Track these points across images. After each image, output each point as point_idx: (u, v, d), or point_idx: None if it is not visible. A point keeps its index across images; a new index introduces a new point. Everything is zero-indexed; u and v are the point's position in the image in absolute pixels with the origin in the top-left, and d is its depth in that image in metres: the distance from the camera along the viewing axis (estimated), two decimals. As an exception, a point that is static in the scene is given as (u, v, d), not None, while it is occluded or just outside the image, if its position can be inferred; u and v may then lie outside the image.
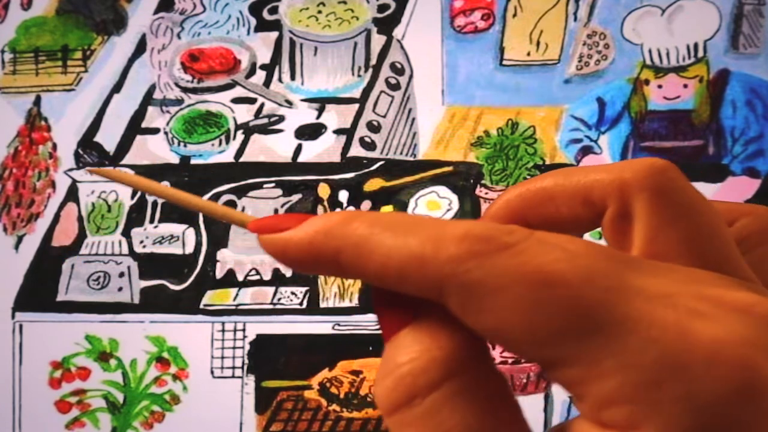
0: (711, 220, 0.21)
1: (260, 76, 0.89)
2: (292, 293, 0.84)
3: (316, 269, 0.21)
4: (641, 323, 0.17)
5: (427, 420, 0.18)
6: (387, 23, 0.89)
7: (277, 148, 0.87)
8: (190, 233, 0.86)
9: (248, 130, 0.88)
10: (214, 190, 0.87)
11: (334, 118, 0.87)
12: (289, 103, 0.88)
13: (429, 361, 0.19)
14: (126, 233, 0.87)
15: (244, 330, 0.84)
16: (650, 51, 0.85)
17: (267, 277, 0.85)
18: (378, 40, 0.89)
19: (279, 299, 0.84)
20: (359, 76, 0.88)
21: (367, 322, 0.83)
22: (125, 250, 0.87)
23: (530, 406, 0.80)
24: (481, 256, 0.18)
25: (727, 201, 0.24)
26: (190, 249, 0.86)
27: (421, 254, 0.18)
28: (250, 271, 0.85)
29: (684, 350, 0.17)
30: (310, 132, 0.88)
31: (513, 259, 0.18)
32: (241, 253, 0.86)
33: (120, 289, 0.86)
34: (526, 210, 0.23)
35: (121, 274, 0.86)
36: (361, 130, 0.87)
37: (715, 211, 0.21)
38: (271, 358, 0.84)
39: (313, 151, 0.87)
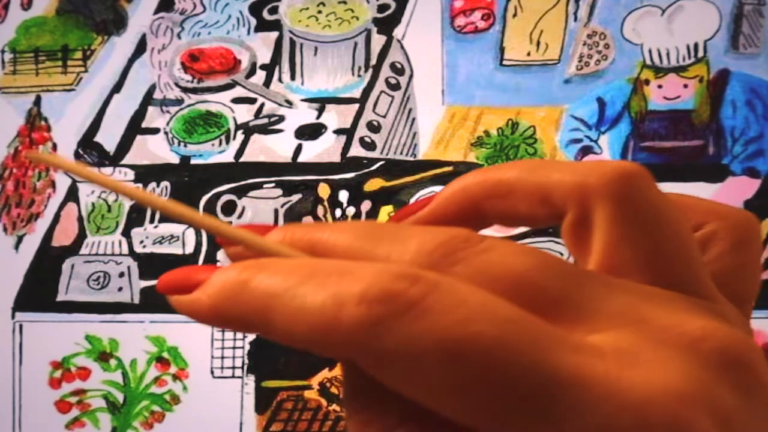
0: (676, 233, 0.19)
1: (260, 76, 0.89)
2: (292, 293, 0.84)
3: (234, 329, 0.19)
4: (566, 385, 0.15)
5: None
6: (387, 23, 0.89)
7: (277, 148, 0.87)
8: (190, 233, 0.86)
9: (248, 130, 0.88)
10: (214, 190, 0.87)
11: (334, 118, 0.87)
12: (289, 103, 0.88)
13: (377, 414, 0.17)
14: (126, 233, 0.87)
15: (244, 330, 0.84)
16: (650, 51, 0.85)
17: (267, 277, 0.85)
18: (378, 40, 0.89)
19: (279, 299, 0.84)
20: (359, 76, 0.88)
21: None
22: (125, 250, 0.87)
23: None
24: (385, 320, 0.16)
25: (703, 199, 0.22)
26: (190, 249, 0.86)
27: (323, 322, 0.16)
28: (250, 271, 0.85)
29: (611, 414, 0.15)
30: (310, 132, 0.88)
31: (419, 324, 0.16)
32: (241, 253, 0.86)
33: (120, 289, 0.86)
34: (483, 200, 0.22)
35: (121, 274, 0.86)
36: (361, 130, 0.87)
37: (681, 224, 0.20)
38: (271, 358, 0.84)
39: (313, 151, 0.87)
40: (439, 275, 0.17)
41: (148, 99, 0.90)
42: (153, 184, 0.88)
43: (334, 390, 0.83)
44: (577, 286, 0.17)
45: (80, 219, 0.88)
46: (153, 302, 0.86)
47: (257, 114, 0.88)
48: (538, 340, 0.16)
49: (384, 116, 0.87)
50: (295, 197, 0.86)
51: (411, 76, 0.88)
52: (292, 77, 0.89)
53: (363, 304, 0.16)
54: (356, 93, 0.88)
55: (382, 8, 0.89)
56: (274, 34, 0.90)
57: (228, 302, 0.18)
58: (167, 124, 0.89)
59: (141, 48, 0.91)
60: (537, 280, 0.17)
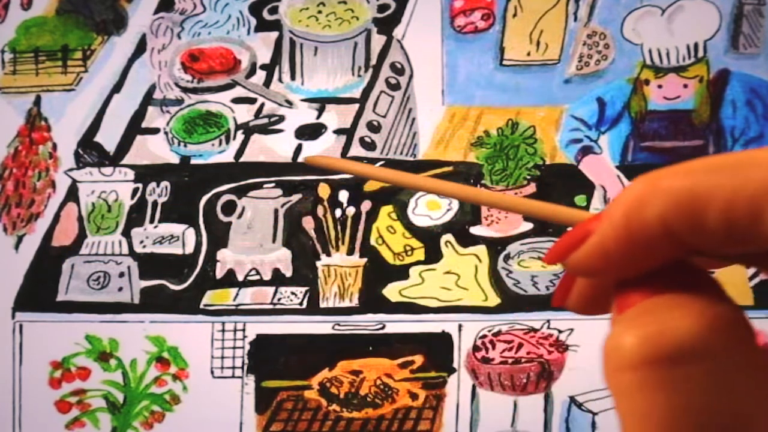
0: None
1: (260, 76, 0.89)
2: (292, 293, 0.84)
3: (649, 252, 0.17)
4: None
5: (681, 385, 0.15)
6: (387, 23, 0.89)
7: (277, 148, 0.87)
8: (190, 233, 0.86)
9: (248, 130, 0.88)
10: (214, 190, 0.87)
11: (334, 118, 0.87)
12: (289, 103, 0.88)
13: (694, 324, 0.15)
14: (126, 233, 0.87)
15: (244, 330, 0.84)
16: (650, 51, 0.85)
17: (267, 277, 0.85)
18: (378, 40, 0.89)
19: (279, 299, 0.84)
20: (359, 76, 0.88)
21: (367, 322, 0.83)
22: (125, 250, 0.87)
23: (530, 406, 0.80)
24: None
25: None
26: (190, 249, 0.86)
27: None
28: (250, 271, 0.85)
29: None
30: (310, 132, 0.88)
31: None
32: (241, 253, 0.86)
33: (120, 289, 0.86)
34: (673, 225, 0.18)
35: (121, 274, 0.86)
36: (361, 130, 0.87)
37: None
38: (271, 358, 0.84)
39: (313, 151, 0.87)
40: None
41: (148, 99, 0.90)
42: (153, 184, 0.88)
43: (334, 390, 0.83)
44: None
45: (80, 219, 0.88)
46: (153, 302, 0.86)
47: (257, 114, 0.88)
48: None
49: (384, 116, 0.87)
50: (295, 197, 0.86)
51: (411, 76, 0.88)
52: (292, 77, 0.89)
53: None
54: (356, 93, 0.88)
55: (382, 8, 0.89)
56: (274, 34, 0.90)
57: (639, 210, 0.16)
58: (167, 124, 0.89)
59: (141, 48, 0.91)
60: None
